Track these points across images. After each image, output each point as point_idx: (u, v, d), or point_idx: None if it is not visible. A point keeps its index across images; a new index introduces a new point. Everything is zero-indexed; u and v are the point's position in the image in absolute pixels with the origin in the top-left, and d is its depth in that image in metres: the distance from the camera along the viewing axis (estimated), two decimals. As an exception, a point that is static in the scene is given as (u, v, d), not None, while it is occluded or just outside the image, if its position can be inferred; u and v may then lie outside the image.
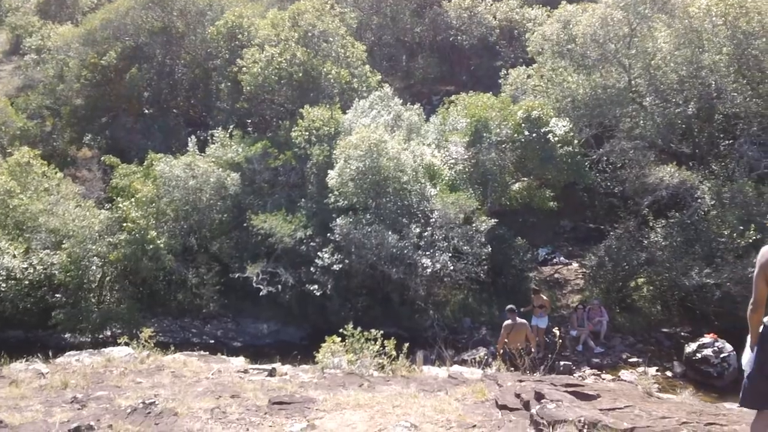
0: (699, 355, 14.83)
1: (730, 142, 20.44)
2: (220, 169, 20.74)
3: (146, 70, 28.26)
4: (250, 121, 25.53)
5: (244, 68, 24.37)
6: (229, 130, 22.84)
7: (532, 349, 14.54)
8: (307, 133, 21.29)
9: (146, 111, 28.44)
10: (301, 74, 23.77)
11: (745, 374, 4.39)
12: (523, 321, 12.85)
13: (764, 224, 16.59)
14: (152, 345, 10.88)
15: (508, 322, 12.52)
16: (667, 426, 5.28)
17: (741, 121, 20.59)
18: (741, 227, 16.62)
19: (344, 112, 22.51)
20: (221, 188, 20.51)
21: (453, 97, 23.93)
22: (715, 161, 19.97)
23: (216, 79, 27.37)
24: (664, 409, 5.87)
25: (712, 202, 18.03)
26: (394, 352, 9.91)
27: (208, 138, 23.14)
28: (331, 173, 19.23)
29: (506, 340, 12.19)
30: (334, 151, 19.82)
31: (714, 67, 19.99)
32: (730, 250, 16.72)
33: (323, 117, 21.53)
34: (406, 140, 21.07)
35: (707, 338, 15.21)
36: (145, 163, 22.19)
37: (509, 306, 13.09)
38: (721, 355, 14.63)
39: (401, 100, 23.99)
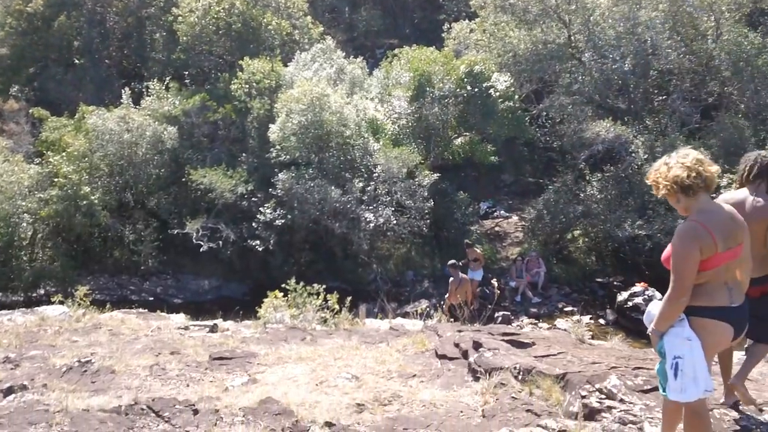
0: (630, 304, 15.42)
1: (664, 97, 20.97)
2: (157, 123, 20.12)
3: (76, 18, 26.95)
4: (187, 72, 24.73)
5: (180, 17, 23.52)
6: (165, 82, 22.13)
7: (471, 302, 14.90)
8: (247, 86, 20.83)
9: (77, 61, 27.17)
10: (240, 25, 23.11)
11: None
12: (465, 276, 13.08)
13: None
14: (88, 303, 10.70)
15: (452, 278, 12.70)
16: (597, 371, 5.49)
17: (674, 78, 21.13)
18: (672, 181, 17.17)
19: (285, 65, 22.08)
20: (158, 142, 19.94)
21: (396, 51, 23.70)
22: (649, 116, 20.48)
23: (150, 28, 26.35)
24: (594, 355, 6.11)
25: (646, 156, 18.52)
26: (336, 306, 9.99)
27: (143, 90, 22.39)
28: (273, 127, 18.93)
29: (455, 295, 12.41)
30: (276, 105, 19.50)
31: (650, 23, 20.36)
32: (661, 202, 17.22)
33: (264, 69, 21.05)
34: (349, 94, 20.87)
35: (638, 287, 15.81)
36: (76, 116, 21.35)
37: (452, 261, 13.27)
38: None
39: (344, 54, 23.69)
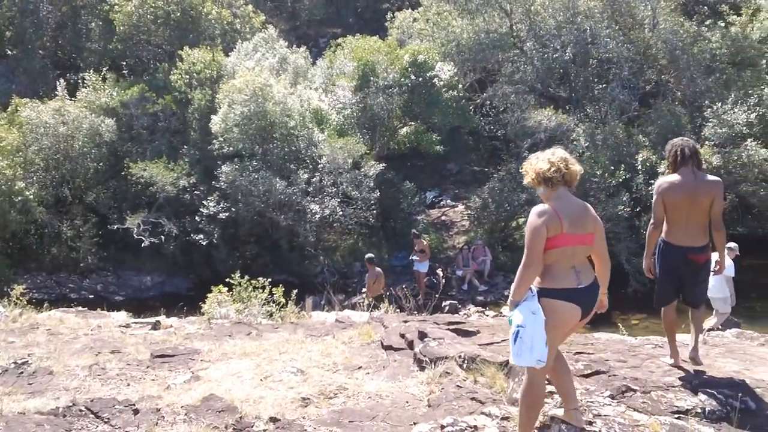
0: (574, 289, 15.72)
1: (604, 86, 21.41)
2: (94, 115, 19.48)
3: (6, 7, 25.78)
4: (125, 63, 24.00)
5: (117, 6, 22.80)
6: (102, 73, 21.42)
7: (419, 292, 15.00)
8: (187, 77, 20.38)
9: (9, 52, 26.05)
10: (179, 13, 22.56)
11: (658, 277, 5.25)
12: (380, 270, 13.07)
13: (633, 164, 17.64)
14: (25, 302, 10.47)
15: (369, 273, 12.70)
16: (541, 357, 5.55)
17: (613, 66, 21.58)
18: (612, 167, 17.57)
19: (227, 55, 21.70)
20: (95, 135, 19.31)
21: (340, 40, 23.54)
22: (589, 104, 20.89)
23: (86, 17, 25.44)
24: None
25: (587, 144, 18.89)
26: (282, 300, 9.90)
27: (79, 81, 21.62)
28: (215, 118, 18.58)
29: (372, 290, 12.44)
30: (217, 96, 19.16)
31: (589, 12, 20.75)
32: (603, 189, 17.66)
33: (204, 59, 20.63)
34: (292, 84, 20.65)
35: (580, 272, 16.13)
36: (9, 109, 20.45)
37: (368, 256, 13.29)
38: (594, 288, 15.60)
39: (287, 43, 23.41)
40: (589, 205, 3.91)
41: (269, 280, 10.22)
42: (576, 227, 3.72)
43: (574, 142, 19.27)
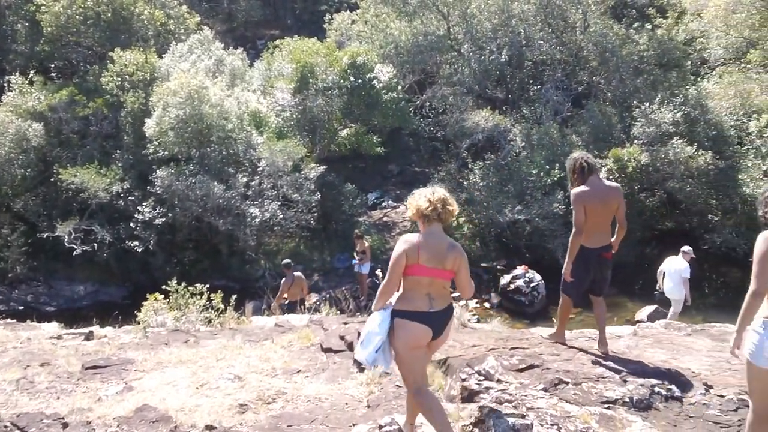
0: (512, 286, 16.03)
1: (538, 87, 21.89)
2: (20, 119, 18.71)
3: (-75, 8, 24.59)
4: (53, 65, 23.14)
5: (44, 6, 21.98)
6: (28, 76, 20.61)
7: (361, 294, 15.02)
8: (119, 79, 19.79)
9: (-73, 55, 24.84)
10: (109, 14, 21.90)
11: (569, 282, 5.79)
12: (300, 274, 13.05)
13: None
14: (-53, 316, 9.90)
15: (285, 278, 12.65)
16: (477, 353, 5.63)
17: (547, 68, 22.11)
18: (547, 167, 17.96)
19: (160, 57, 21.20)
20: (22, 140, 18.53)
21: (278, 42, 23.33)
22: (525, 106, 21.32)
23: (11, 18, 24.40)
24: (475, 338, 6.26)
25: (523, 144, 19.29)
26: (222, 305, 9.72)
27: (5, 85, 20.74)
28: (149, 122, 18.13)
29: (285, 295, 12.38)
30: (151, 99, 18.67)
31: (523, 15, 21.20)
32: (539, 188, 18.04)
33: (137, 61, 20.09)
34: (229, 86, 20.35)
35: (519, 270, 16.46)
36: (-71, 115, 19.51)
37: (285, 261, 13.23)
38: (532, 285, 15.92)
39: (223, 45, 23.06)
40: (456, 245, 4.22)
41: (208, 285, 10.02)
42: (433, 262, 4.08)
43: (511, 143, 19.65)
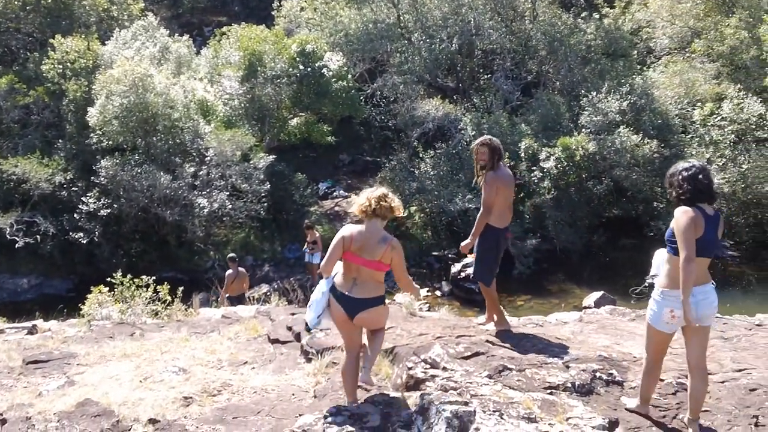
0: (463, 275, 16.14)
1: (488, 76, 22.05)
2: (-44, 108, 18.03)
3: None
4: (-9, 52, 22.35)
5: (-21, -9, 21.14)
6: (-36, 64, 19.85)
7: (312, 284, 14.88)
8: (60, 67, 19.21)
9: None
10: (50, 0, 21.16)
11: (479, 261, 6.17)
12: (243, 270, 12.93)
13: (516, 152, 18.29)
14: None
15: (229, 272, 12.53)
16: (424, 342, 5.64)
17: (497, 57, 22.29)
18: (497, 155, 18.11)
19: (103, 44, 20.71)
20: (-41, 130, 17.88)
21: (225, 29, 22.91)
22: (476, 94, 21.47)
23: (-54, 4, 23.40)
24: (423, 326, 6.27)
25: (473, 133, 19.38)
26: (169, 297, 9.53)
27: (-60, 73, 19.92)
28: (92, 111, 17.66)
29: (230, 288, 12.26)
30: (94, 87, 18.20)
31: (473, 4, 21.26)
32: (488, 176, 18.19)
33: (79, 48, 19.53)
34: (175, 74, 19.96)
35: (470, 258, 16.49)
36: None
37: (230, 255, 13.12)
38: (482, 272, 16.06)
39: (168, 31, 22.55)
40: (389, 239, 4.60)
41: (155, 277, 9.80)
42: (361, 251, 4.54)
43: (462, 131, 19.75)
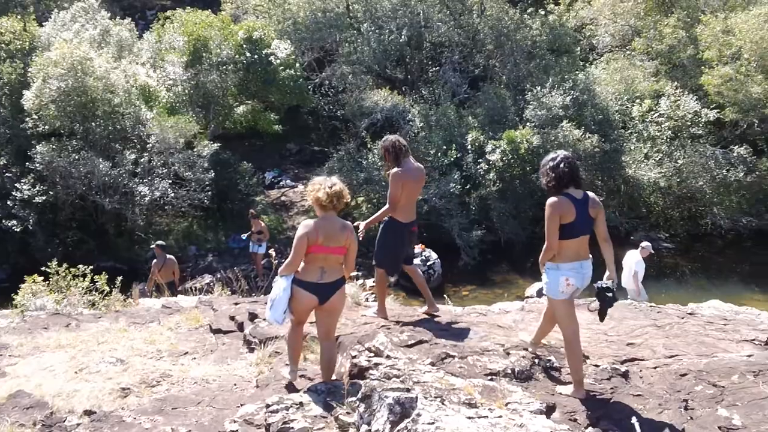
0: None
1: (437, 69, 22.15)
2: None
3: None
4: None
5: None
6: None
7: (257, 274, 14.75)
8: (-6, 48, 18.40)
9: None
10: (-18, -23, 20.33)
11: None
12: (171, 257, 12.70)
13: (463, 144, 18.45)
14: None
15: (155, 260, 12.28)
16: (368, 331, 5.64)
17: (446, 50, 22.41)
18: (444, 147, 18.27)
19: (41, 25, 19.99)
20: None
21: (169, 13, 22.32)
22: (424, 86, 21.54)
23: None
24: (368, 316, 6.28)
25: (421, 125, 19.49)
26: (107, 287, 9.28)
27: None
28: (28, 94, 17.01)
29: (155, 277, 12.02)
30: (30, 69, 17.50)
31: (422, -4, 21.31)
32: (436, 167, 18.31)
33: (14, 29, 18.76)
34: (116, 58, 19.40)
35: (416, 249, 16.66)
36: None
37: (159, 242, 12.84)
38: (428, 263, 16.15)
39: (109, 14, 21.90)
40: (347, 225, 4.93)
41: (92, 267, 9.54)
42: (328, 241, 4.78)
43: (410, 123, 19.79)
